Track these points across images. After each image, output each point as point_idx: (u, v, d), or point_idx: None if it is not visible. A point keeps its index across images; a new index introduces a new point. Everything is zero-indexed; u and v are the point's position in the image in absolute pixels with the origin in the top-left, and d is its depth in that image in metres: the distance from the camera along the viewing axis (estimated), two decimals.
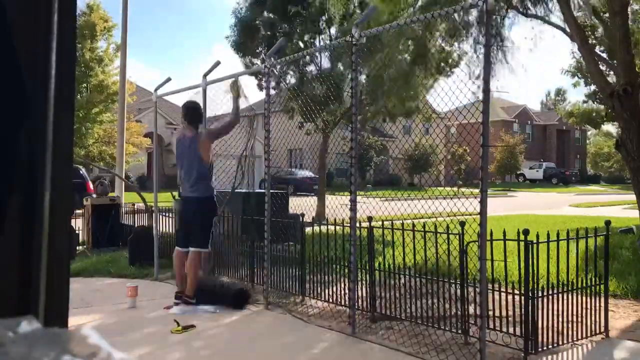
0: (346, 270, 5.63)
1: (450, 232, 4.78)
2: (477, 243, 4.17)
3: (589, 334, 4.74)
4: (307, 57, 13.40)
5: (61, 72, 0.72)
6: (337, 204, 6.73)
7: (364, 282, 5.52)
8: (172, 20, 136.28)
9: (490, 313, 4.59)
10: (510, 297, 4.60)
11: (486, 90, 4.04)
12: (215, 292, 6.13)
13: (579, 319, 4.67)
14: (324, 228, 6.18)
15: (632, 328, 5.20)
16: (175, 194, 10.15)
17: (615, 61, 9.52)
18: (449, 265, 4.83)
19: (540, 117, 60.31)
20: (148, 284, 7.45)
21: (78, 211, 11.06)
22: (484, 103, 4.04)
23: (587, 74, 15.66)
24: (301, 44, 13.79)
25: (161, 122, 33.90)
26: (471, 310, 4.64)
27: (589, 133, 62.45)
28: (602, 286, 4.91)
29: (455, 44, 10.65)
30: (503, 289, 4.65)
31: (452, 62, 11.43)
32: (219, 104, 7.38)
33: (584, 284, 4.76)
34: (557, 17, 10.04)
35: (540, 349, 4.33)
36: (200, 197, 6.17)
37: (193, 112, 6.41)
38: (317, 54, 13.37)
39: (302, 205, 7.64)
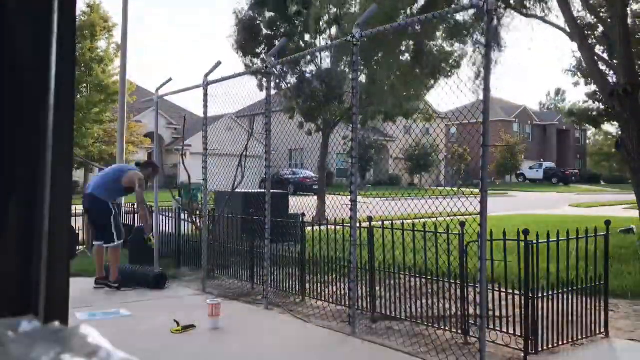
0: (346, 270, 5.63)
1: (450, 232, 4.78)
2: (477, 243, 4.17)
3: (589, 334, 4.74)
4: (308, 57, 13.41)
5: (61, 72, 0.71)
6: (337, 204, 6.73)
7: (364, 282, 5.52)
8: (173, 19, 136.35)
9: (490, 313, 4.59)
10: (510, 297, 4.60)
11: (486, 90, 4.04)
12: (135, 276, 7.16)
13: (579, 319, 4.67)
14: (324, 228, 6.18)
15: (632, 328, 5.20)
16: (175, 193, 10.16)
17: (615, 61, 9.52)
18: (449, 265, 4.83)
19: (540, 117, 60.29)
20: None
21: (78, 211, 11.04)
22: (484, 103, 4.04)
23: (588, 73, 15.65)
24: (302, 44, 13.79)
25: (162, 122, 33.91)
26: (471, 310, 4.64)
27: (589, 133, 62.39)
28: (602, 286, 4.91)
29: (456, 44, 10.65)
30: (503, 289, 4.65)
31: (453, 62, 11.42)
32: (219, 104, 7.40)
33: (584, 284, 4.76)
34: (556, 17, 10.04)
35: (540, 349, 4.33)
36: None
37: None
38: (317, 53, 13.37)
39: (302, 205, 7.64)
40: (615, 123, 18.76)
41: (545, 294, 4.47)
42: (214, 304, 5.24)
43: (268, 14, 14.24)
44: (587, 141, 64.21)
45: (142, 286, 7.01)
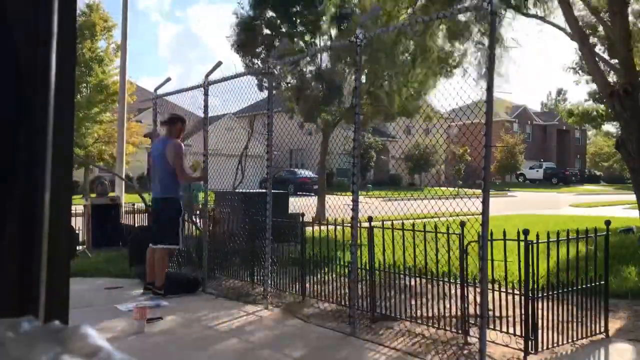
0: (346, 270, 5.63)
1: (450, 232, 4.78)
2: (477, 243, 4.17)
3: (589, 334, 4.74)
4: (309, 57, 13.40)
5: (61, 72, 0.72)
6: (337, 204, 6.73)
7: (364, 282, 5.51)
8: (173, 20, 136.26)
9: (490, 313, 4.59)
10: (510, 297, 4.60)
11: (489, 91, 4.03)
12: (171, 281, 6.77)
13: (579, 319, 4.67)
14: (324, 228, 6.18)
15: (632, 328, 5.19)
16: None
17: (615, 61, 9.51)
18: (449, 265, 4.83)
19: (540, 117, 60.30)
20: None
21: (78, 211, 11.06)
22: (487, 103, 4.03)
23: (588, 72, 15.65)
24: (302, 44, 13.78)
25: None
26: (471, 310, 4.64)
27: (589, 133, 62.42)
28: (602, 286, 4.91)
29: (458, 44, 10.63)
30: (503, 289, 4.65)
31: (454, 62, 11.41)
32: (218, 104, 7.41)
33: (584, 284, 4.76)
34: (557, 16, 10.03)
35: (540, 349, 4.33)
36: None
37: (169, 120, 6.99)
38: (318, 54, 13.36)
39: (302, 205, 7.65)
40: (615, 123, 18.75)
41: (545, 294, 4.47)
42: (141, 307, 5.23)
43: (268, 14, 14.22)
44: (587, 141, 64.21)
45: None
